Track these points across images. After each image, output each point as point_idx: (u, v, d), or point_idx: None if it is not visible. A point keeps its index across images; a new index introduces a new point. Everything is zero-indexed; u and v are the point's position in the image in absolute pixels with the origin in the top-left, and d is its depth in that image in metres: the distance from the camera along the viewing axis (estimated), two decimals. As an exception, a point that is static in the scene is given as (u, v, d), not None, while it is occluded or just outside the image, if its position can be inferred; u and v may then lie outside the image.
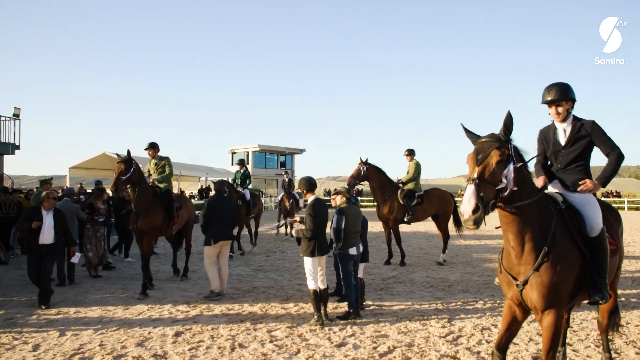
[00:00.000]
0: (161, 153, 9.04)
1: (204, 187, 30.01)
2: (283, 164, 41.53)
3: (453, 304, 7.09)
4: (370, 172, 10.40)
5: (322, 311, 6.07)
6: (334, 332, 5.70)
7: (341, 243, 6.24)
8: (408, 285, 8.44)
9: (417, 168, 10.67)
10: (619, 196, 39.12)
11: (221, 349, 5.12)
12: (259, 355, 4.97)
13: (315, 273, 6.00)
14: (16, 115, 17.15)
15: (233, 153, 40.25)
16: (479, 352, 5.06)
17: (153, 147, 8.91)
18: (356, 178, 10.27)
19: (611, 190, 39.84)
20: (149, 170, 8.97)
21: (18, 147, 17.06)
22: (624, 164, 4.17)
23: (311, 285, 5.99)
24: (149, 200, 7.93)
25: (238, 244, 12.25)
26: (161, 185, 8.58)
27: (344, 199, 6.50)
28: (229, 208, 7.65)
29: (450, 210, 11.04)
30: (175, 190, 19.66)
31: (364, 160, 10.46)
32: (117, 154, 7.92)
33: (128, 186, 7.79)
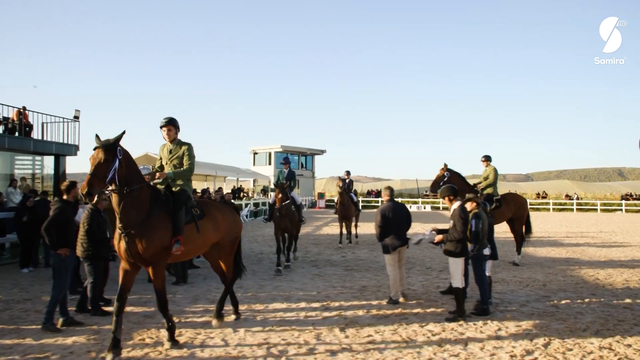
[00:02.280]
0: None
1: (235, 187, 30.51)
2: (303, 165, 42.02)
3: (564, 302, 7.62)
4: (452, 178, 10.91)
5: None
6: (481, 327, 6.24)
7: (478, 245, 6.78)
8: (504, 285, 8.98)
9: (496, 173, 11.20)
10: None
11: (398, 343, 5.63)
12: (434, 346, 5.50)
13: (460, 273, 6.53)
14: (76, 117, 17.65)
15: (255, 153, 40.73)
16: None
17: (172, 124, 6.01)
18: (439, 183, 10.78)
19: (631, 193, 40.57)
20: (160, 160, 6.23)
21: (79, 149, 17.57)
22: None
23: (458, 283, 6.52)
24: (143, 209, 5.28)
25: (286, 255, 10.98)
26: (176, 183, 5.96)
27: (475, 204, 7.04)
28: (404, 212, 7.72)
29: (525, 214, 11.58)
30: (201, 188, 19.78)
31: (446, 166, 10.98)
32: (97, 136, 5.15)
33: (111, 188, 5.10)
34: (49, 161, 18.49)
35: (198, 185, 30.84)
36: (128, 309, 7.16)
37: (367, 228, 19.77)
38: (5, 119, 15.93)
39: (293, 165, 42.00)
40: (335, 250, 13.84)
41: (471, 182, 11.44)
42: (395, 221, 7.47)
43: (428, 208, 40.64)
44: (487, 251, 6.94)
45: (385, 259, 7.61)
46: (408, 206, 38.01)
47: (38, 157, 18.13)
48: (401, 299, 7.56)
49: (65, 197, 6.92)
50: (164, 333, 5.87)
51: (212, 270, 6.92)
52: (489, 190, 11.12)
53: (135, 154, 25.15)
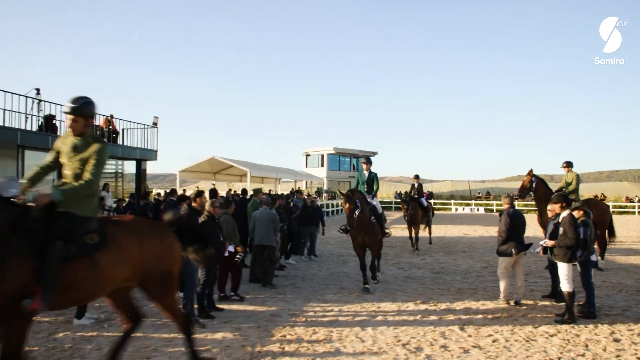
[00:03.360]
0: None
1: (293, 189, 31.28)
2: (355, 167, 42.51)
3: (665, 307, 7.85)
4: (539, 184, 11.24)
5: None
6: (594, 329, 6.60)
7: (586, 252, 7.14)
8: (596, 290, 9.09)
9: (578, 179, 11.43)
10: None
11: (521, 343, 6.06)
12: (558, 346, 5.89)
13: (570, 277, 6.92)
14: (155, 124, 18.75)
15: (307, 155, 41.51)
16: None
17: (80, 113, 4.20)
18: (528, 189, 11.14)
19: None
20: (56, 153, 4.34)
21: (157, 153, 18.70)
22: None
23: (567, 287, 6.92)
24: None
25: (372, 273, 9.73)
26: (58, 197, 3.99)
27: (582, 212, 7.40)
28: (524, 219, 8.17)
29: (607, 220, 11.76)
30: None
31: (531, 172, 11.32)
32: None
33: None
34: (127, 164, 19.67)
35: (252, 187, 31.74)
36: (250, 307, 7.83)
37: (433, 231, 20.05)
38: (95, 127, 17.11)
39: (345, 167, 42.89)
40: (412, 254, 14.30)
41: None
42: (517, 226, 7.92)
43: (481, 210, 40.44)
44: (594, 257, 7.29)
45: (501, 263, 8.03)
46: (461, 208, 37.79)
47: (120, 161, 19.30)
48: (509, 302, 7.97)
49: (193, 204, 7.62)
50: (299, 331, 6.50)
51: (301, 273, 7.43)
52: (572, 196, 11.33)
53: (203, 157, 26.05)
